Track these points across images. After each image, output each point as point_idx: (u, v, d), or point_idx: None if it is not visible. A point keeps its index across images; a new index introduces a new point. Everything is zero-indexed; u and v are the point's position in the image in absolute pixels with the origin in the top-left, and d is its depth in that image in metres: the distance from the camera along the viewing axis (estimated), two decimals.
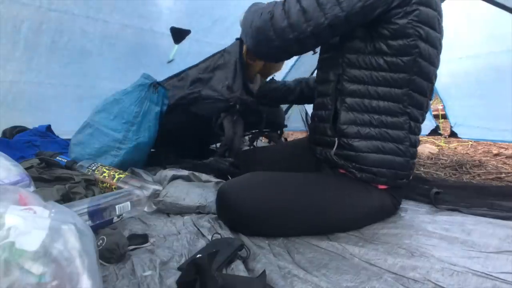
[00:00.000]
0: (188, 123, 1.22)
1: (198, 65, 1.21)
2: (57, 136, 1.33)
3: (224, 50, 1.17)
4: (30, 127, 1.31)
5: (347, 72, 0.76)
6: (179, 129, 1.23)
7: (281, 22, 0.70)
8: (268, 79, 1.26)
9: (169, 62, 1.71)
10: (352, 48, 0.75)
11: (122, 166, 1.01)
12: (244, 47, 1.10)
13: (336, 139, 0.77)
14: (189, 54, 1.73)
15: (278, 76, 2.25)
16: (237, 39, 1.14)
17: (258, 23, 0.74)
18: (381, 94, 0.74)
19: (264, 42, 0.75)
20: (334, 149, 0.77)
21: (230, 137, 1.03)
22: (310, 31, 0.69)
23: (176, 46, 1.66)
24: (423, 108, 0.79)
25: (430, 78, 0.77)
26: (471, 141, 2.11)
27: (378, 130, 0.75)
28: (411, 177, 0.84)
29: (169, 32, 1.59)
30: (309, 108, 1.34)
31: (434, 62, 0.76)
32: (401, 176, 0.79)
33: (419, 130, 0.81)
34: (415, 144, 0.80)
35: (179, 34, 1.63)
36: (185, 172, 0.96)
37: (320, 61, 0.87)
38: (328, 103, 0.80)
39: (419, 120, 0.79)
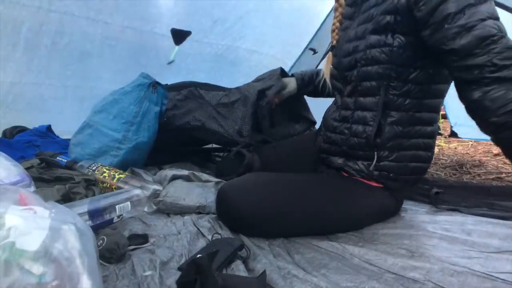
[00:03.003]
0: (186, 138, 1.24)
1: (207, 90, 1.20)
2: (57, 136, 1.33)
3: (240, 91, 1.18)
4: (30, 127, 1.31)
5: (393, 85, 0.72)
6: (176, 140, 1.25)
7: None
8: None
9: (169, 63, 1.71)
10: (409, 61, 0.70)
11: (122, 166, 1.02)
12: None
13: (376, 153, 0.75)
14: (189, 55, 1.73)
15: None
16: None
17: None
18: (427, 106, 0.74)
19: None
20: (374, 162, 0.75)
21: (251, 160, 1.04)
22: None
23: (177, 47, 1.67)
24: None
25: None
26: (471, 141, 2.11)
27: (416, 140, 0.75)
28: None
29: (169, 34, 1.59)
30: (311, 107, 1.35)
31: None
32: (419, 180, 0.81)
33: None
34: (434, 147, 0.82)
35: (179, 36, 1.63)
36: (185, 172, 0.96)
37: (361, 73, 0.76)
38: (369, 118, 0.75)
39: None
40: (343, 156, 0.81)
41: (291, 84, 1.18)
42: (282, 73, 1.21)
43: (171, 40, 1.62)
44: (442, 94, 0.75)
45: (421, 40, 0.66)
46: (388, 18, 0.69)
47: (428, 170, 1.50)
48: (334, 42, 0.84)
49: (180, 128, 1.18)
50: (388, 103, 0.73)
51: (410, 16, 0.66)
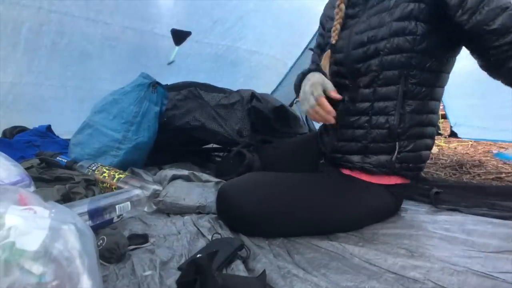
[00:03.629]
0: (186, 138, 1.24)
1: (206, 91, 1.21)
2: (57, 136, 1.33)
3: (239, 93, 1.20)
4: (30, 127, 1.31)
5: (415, 74, 0.73)
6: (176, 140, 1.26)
7: None
8: None
9: (170, 63, 1.71)
10: (429, 49, 0.72)
11: (122, 166, 1.02)
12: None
13: (397, 143, 0.75)
14: (189, 56, 1.73)
15: (278, 76, 2.25)
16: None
17: None
18: (436, 94, 0.77)
19: None
20: (396, 153, 0.75)
21: (251, 160, 1.04)
22: None
23: (177, 47, 1.67)
24: None
25: None
26: (471, 141, 2.11)
27: (427, 128, 0.78)
28: None
29: (169, 34, 1.60)
30: None
31: None
32: (423, 168, 0.83)
33: None
34: None
35: (179, 36, 1.63)
36: (185, 172, 0.96)
37: (384, 62, 0.75)
38: (390, 108, 0.74)
39: None
40: (360, 153, 0.79)
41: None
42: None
43: (171, 41, 1.62)
44: (447, 82, 0.79)
45: (446, 27, 0.69)
46: (412, 5, 0.71)
47: (428, 170, 1.51)
48: (334, 41, 0.84)
49: (180, 128, 1.18)
50: (407, 92, 0.74)
51: (436, 4, 0.68)
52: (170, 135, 1.19)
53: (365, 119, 0.77)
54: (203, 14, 1.63)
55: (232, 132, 1.14)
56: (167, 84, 1.22)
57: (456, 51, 0.76)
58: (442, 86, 0.78)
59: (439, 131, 2.13)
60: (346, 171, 0.80)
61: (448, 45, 0.73)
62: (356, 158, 0.79)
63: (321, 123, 0.87)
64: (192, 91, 1.21)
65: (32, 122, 1.34)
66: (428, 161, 1.66)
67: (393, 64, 0.73)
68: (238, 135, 1.13)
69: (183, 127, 1.18)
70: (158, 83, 1.11)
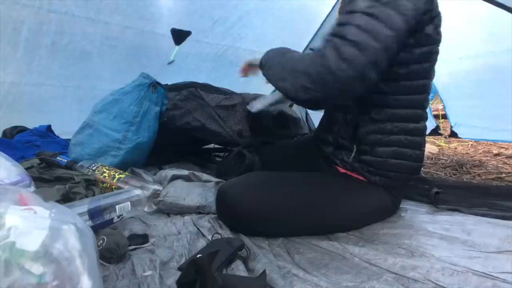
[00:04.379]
0: (187, 138, 1.24)
1: (207, 92, 1.20)
2: (58, 136, 1.33)
3: (241, 95, 1.19)
4: (30, 127, 1.31)
5: None
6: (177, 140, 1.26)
7: (335, 61, 0.61)
8: None
9: (170, 63, 1.71)
10: None
11: (122, 166, 1.02)
12: None
13: (355, 146, 0.76)
14: (189, 55, 1.73)
15: None
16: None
17: (310, 69, 0.64)
18: (403, 102, 0.73)
19: (320, 87, 0.64)
20: (353, 153, 0.76)
21: (251, 160, 1.04)
22: (367, 61, 0.61)
23: (177, 47, 1.67)
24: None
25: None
26: (471, 141, 2.11)
27: (398, 137, 0.74)
28: None
29: (169, 34, 1.59)
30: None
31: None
32: (411, 179, 0.81)
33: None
34: (424, 146, 0.81)
35: (179, 36, 1.63)
36: (185, 172, 0.96)
37: None
38: (349, 116, 0.78)
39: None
40: (332, 145, 0.82)
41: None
42: None
43: (171, 40, 1.62)
44: (419, 91, 0.74)
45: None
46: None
47: (428, 170, 1.51)
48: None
49: (180, 128, 1.18)
50: (364, 99, 0.73)
51: None
52: (171, 135, 1.19)
53: (339, 114, 0.80)
54: (203, 14, 1.63)
55: (232, 133, 1.14)
56: (167, 84, 1.22)
57: (404, 61, 0.70)
58: (414, 93, 0.73)
59: (439, 131, 2.13)
60: (343, 170, 0.80)
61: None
62: (328, 148, 0.82)
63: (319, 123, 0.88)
64: (192, 92, 1.21)
65: (32, 122, 1.34)
66: (428, 161, 1.67)
67: None
68: (239, 136, 1.13)
69: (183, 127, 1.18)
70: (158, 83, 1.11)
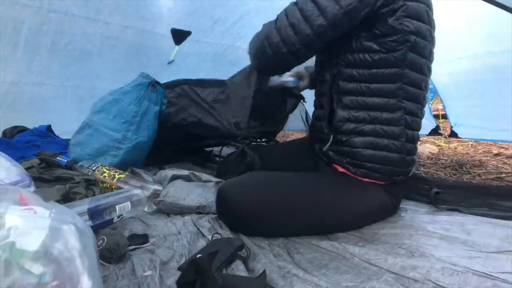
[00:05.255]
0: (184, 135, 1.23)
1: (202, 87, 1.17)
2: (58, 136, 1.33)
3: (226, 83, 1.14)
4: (30, 127, 1.31)
5: (342, 71, 0.78)
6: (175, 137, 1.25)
7: (274, 39, 0.76)
8: None
9: (170, 63, 1.71)
10: (343, 48, 0.77)
11: (122, 166, 1.01)
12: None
13: (332, 136, 0.80)
14: (189, 55, 1.73)
15: None
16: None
17: (257, 44, 0.82)
18: (375, 90, 0.75)
19: (264, 60, 0.83)
20: (328, 144, 0.80)
21: (252, 159, 1.04)
22: (300, 44, 0.73)
23: (177, 47, 1.66)
24: (420, 102, 0.79)
25: (423, 71, 0.77)
26: (471, 141, 2.11)
27: (373, 126, 0.75)
28: (410, 174, 0.84)
29: (169, 33, 1.59)
30: (309, 108, 1.34)
31: (425, 55, 0.77)
32: (397, 173, 0.78)
33: (418, 125, 0.81)
34: (413, 139, 0.79)
35: (179, 36, 1.63)
36: (185, 172, 0.96)
37: (317, 62, 0.90)
38: (324, 102, 0.83)
39: (417, 115, 0.79)
40: (318, 141, 0.86)
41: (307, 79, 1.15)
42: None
43: (171, 40, 1.62)
44: (391, 79, 0.74)
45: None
46: None
47: (428, 170, 1.51)
48: None
49: (176, 125, 1.17)
50: (337, 89, 0.78)
51: None
52: (168, 133, 1.18)
53: (314, 111, 0.90)
54: (203, 14, 1.63)
55: (229, 125, 1.12)
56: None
57: (373, 49, 0.73)
58: (387, 82, 0.74)
59: (439, 131, 2.12)
60: (341, 169, 0.80)
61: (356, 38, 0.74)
62: (316, 146, 0.87)
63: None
64: (185, 89, 1.20)
65: (32, 121, 1.34)
66: (428, 161, 1.67)
67: (321, 64, 0.86)
68: (236, 128, 1.11)
69: (180, 124, 1.17)
70: (157, 82, 1.11)
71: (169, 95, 1.19)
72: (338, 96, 0.78)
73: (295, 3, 0.74)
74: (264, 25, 0.84)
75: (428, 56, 0.78)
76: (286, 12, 0.76)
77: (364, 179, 0.77)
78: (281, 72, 1.00)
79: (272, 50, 0.78)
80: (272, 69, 0.90)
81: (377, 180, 0.77)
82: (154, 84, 1.09)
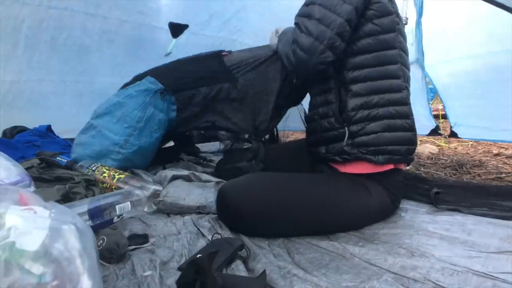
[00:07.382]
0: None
1: (208, 86, 1.10)
2: (57, 136, 1.33)
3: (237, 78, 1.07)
4: (30, 125, 1.31)
5: (346, 62, 0.78)
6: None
7: (306, 41, 0.74)
8: None
9: (167, 55, 1.71)
10: (350, 38, 0.77)
11: (122, 169, 1.01)
12: None
13: (346, 128, 0.77)
14: (186, 47, 1.73)
15: None
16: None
17: (294, 58, 0.78)
18: (381, 73, 0.77)
19: (303, 68, 0.79)
20: (346, 139, 0.77)
21: (257, 146, 1.03)
22: (335, 33, 0.72)
23: (174, 39, 1.67)
24: (409, 82, 0.84)
25: (407, 53, 0.84)
26: (471, 141, 2.11)
27: (386, 108, 0.76)
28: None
29: (167, 27, 1.60)
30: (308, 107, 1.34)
31: (404, 36, 0.84)
32: (411, 151, 0.81)
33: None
34: (412, 115, 0.83)
35: (177, 29, 1.64)
36: (185, 172, 0.96)
37: None
38: (330, 97, 0.81)
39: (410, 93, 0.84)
40: (322, 144, 0.83)
41: None
42: None
43: (168, 34, 1.63)
44: (392, 60, 0.78)
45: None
46: None
47: (428, 170, 1.51)
48: None
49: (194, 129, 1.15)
50: (343, 79, 0.78)
51: None
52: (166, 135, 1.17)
53: (314, 111, 0.86)
54: (200, 7, 1.65)
55: (247, 127, 1.06)
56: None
57: (366, 29, 0.77)
58: (392, 63, 0.78)
59: (439, 131, 2.12)
60: (342, 170, 0.80)
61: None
62: (322, 149, 0.83)
63: None
64: (193, 94, 1.14)
65: (32, 119, 1.33)
66: (428, 161, 1.67)
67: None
68: (255, 130, 1.06)
69: (196, 128, 1.16)
70: (165, 89, 1.07)
71: (177, 100, 1.14)
72: (346, 86, 0.78)
73: (308, 3, 0.76)
74: (280, 40, 0.88)
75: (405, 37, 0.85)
76: (302, 15, 0.77)
77: (385, 167, 0.77)
78: (322, 75, 0.87)
79: (309, 54, 0.74)
80: (314, 71, 0.80)
81: (399, 162, 0.79)
82: (163, 91, 1.06)
